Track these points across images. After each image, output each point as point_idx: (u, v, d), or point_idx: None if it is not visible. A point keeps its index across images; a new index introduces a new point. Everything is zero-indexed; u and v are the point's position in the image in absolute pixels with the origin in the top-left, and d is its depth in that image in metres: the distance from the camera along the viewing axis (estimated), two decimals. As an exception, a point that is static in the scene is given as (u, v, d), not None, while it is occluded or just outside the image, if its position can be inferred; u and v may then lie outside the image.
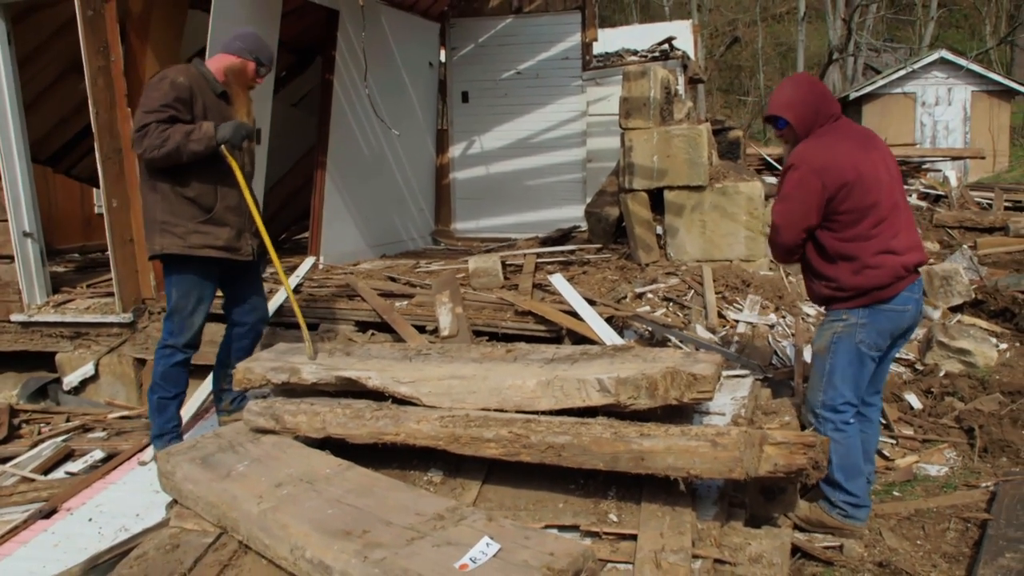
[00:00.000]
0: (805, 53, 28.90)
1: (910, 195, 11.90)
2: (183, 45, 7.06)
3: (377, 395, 3.78)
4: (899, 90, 19.81)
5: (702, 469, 2.85)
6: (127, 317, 6.33)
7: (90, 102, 6.06)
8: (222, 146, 4.16)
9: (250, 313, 4.77)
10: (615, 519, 3.06)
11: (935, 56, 19.70)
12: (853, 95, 20.67)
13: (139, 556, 3.23)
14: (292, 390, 4.06)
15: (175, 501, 3.71)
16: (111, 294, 6.58)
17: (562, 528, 3.04)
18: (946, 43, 25.39)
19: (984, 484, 4.42)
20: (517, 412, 3.44)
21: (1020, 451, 4.83)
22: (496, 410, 3.47)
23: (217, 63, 4.40)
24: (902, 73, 19.78)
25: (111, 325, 6.42)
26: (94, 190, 11.17)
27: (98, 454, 5.17)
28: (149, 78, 4.30)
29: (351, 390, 3.90)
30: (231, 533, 3.12)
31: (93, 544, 3.76)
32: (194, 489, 3.32)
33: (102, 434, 5.64)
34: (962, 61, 19.36)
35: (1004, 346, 6.16)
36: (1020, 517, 3.93)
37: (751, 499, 3.48)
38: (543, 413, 3.40)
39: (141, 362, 6.25)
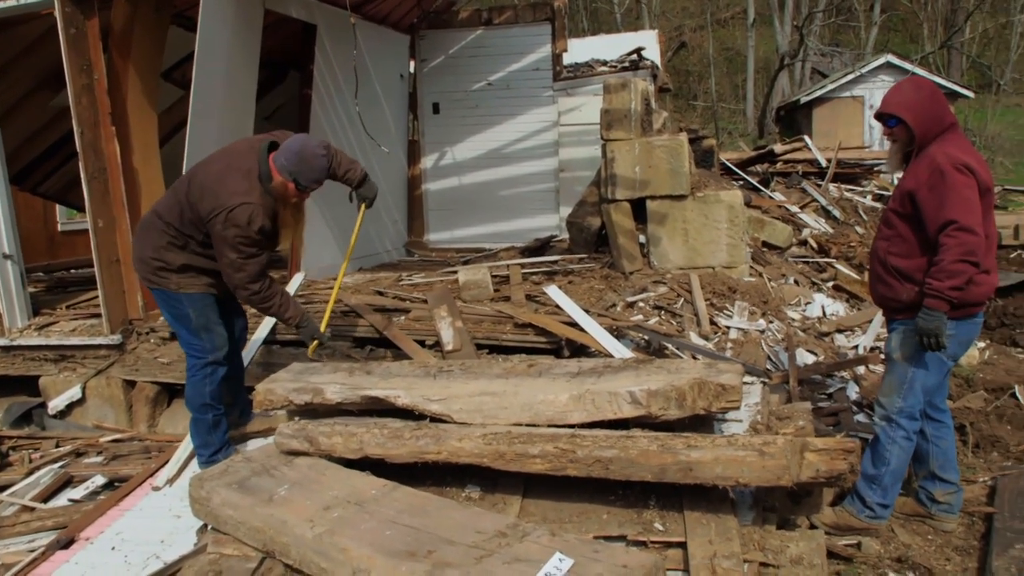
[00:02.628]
0: (753, 57, 29.46)
1: (864, 196, 12.25)
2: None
3: (403, 413, 3.81)
4: (848, 94, 20.31)
5: (751, 478, 2.95)
6: (115, 338, 6.24)
7: (74, 121, 5.97)
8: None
9: (236, 322, 4.89)
10: (661, 528, 3.14)
11: (882, 60, 20.26)
12: (804, 99, 21.15)
13: (181, 584, 3.22)
14: (314, 411, 4.07)
15: (205, 526, 3.70)
16: (96, 315, 6.48)
17: (609, 539, 3.10)
18: (890, 47, 26.08)
19: (981, 479, 4.60)
20: (549, 426, 3.51)
21: (1009, 445, 5.05)
22: (528, 424, 3.53)
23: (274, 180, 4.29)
24: (850, 77, 20.29)
25: (98, 347, 6.32)
26: (57, 207, 10.97)
27: (99, 480, 5.10)
28: (234, 202, 4.06)
29: (375, 409, 3.93)
30: (279, 558, 3.12)
31: (121, 574, 3.73)
32: (234, 514, 3.31)
33: (98, 459, 5.55)
34: (908, 65, 19.93)
35: (983, 345, 6.39)
36: (1023, 509, 4.10)
37: (779, 502, 3.59)
38: (575, 426, 3.48)
39: (130, 384, 6.16)
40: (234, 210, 4.04)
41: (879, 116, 3.80)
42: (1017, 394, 5.62)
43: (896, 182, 4.04)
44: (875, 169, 13.21)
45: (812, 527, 3.87)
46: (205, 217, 4.12)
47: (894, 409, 3.82)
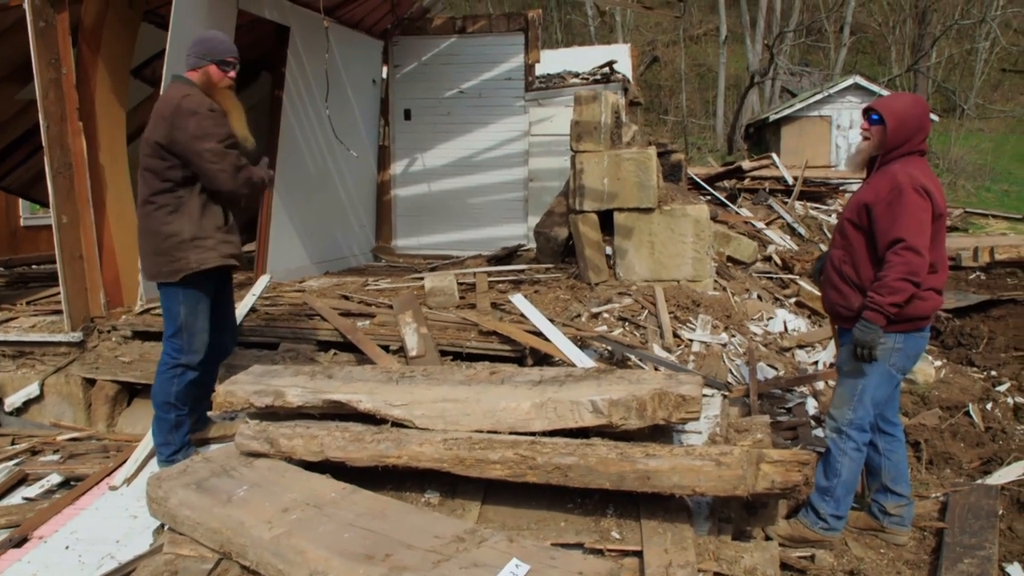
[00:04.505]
0: (724, 74, 29.79)
1: (829, 215, 12.44)
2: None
3: (364, 418, 3.81)
4: (816, 113, 20.64)
5: (707, 487, 2.99)
6: (76, 336, 6.16)
7: (40, 115, 5.90)
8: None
9: (223, 332, 4.77)
10: (618, 536, 3.17)
11: (849, 81, 20.61)
12: (772, 117, 21.43)
13: (136, 584, 3.20)
14: (275, 414, 4.06)
15: (162, 526, 3.68)
16: (57, 312, 6.40)
17: (566, 546, 3.13)
18: (858, 69, 26.49)
19: (934, 495, 4.69)
20: (511, 433, 3.53)
21: (962, 462, 5.15)
22: (490, 431, 3.55)
23: (196, 82, 4.38)
24: (819, 97, 20.61)
25: (58, 344, 6.23)
26: (20, 201, 10.83)
27: (55, 478, 5.03)
28: (175, 103, 4.18)
29: (337, 413, 3.93)
30: (236, 559, 3.11)
31: (75, 573, 3.68)
32: (192, 515, 3.29)
33: (55, 457, 5.48)
34: (875, 87, 20.28)
35: (939, 363, 6.50)
36: (972, 525, 4.19)
37: (735, 513, 3.64)
38: (537, 434, 3.50)
39: (91, 382, 6.09)
40: (181, 103, 4.15)
41: (866, 110, 3.85)
42: (971, 412, 5.74)
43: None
44: (840, 188, 13.42)
45: (767, 539, 3.92)
46: (166, 140, 4.16)
47: (844, 421, 3.89)
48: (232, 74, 4.44)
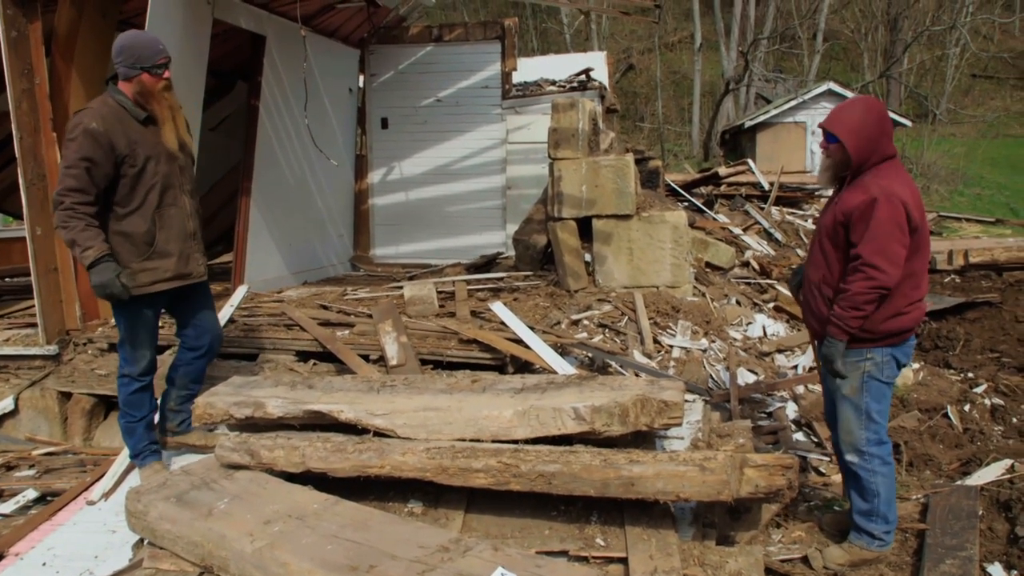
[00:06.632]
0: (699, 81, 29.99)
1: (806, 220, 12.53)
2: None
3: (346, 428, 3.79)
4: (790, 119, 20.77)
5: (691, 492, 2.99)
6: (51, 349, 6.08)
7: (14, 127, 5.84)
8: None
9: (204, 335, 4.75)
10: (602, 543, 3.16)
11: (824, 88, 20.76)
12: (748, 124, 21.57)
13: (115, 600, 3.15)
14: (255, 425, 4.03)
15: (142, 541, 3.63)
16: (32, 325, 6.32)
17: (551, 554, 3.12)
18: (832, 75, 26.74)
19: (915, 496, 4.71)
20: (493, 441, 3.52)
21: (941, 464, 5.18)
22: (472, 440, 3.54)
23: (126, 91, 4.26)
24: (793, 103, 20.76)
25: (33, 358, 6.16)
26: (-7, 214, 10.71)
27: (31, 493, 4.97)
28: (72, 114, 4.10)
29: (318, 423, 3.90)
30: (218, 572, 3.07)
31: (52, 589, 3.63)
32: (172, 528, 3.26)
33: (30, 472, 5.41)
34: (849, 93, 20.45)
35: (916, 366, 6.55)
36: (953, 526, 4.21)
37: (719, 518, 3.64)
38: (519, 442, 3.49)
39: (66, 396, 6.03)
40: (73, 120, 4.12)
41: (822, 127, 3.73)
42: (949, 414, 5.78)
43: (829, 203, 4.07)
44: (816, 193, 13.52)
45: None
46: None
47: (862, 442, 3.81)
48: (167, 74, 4.30)
